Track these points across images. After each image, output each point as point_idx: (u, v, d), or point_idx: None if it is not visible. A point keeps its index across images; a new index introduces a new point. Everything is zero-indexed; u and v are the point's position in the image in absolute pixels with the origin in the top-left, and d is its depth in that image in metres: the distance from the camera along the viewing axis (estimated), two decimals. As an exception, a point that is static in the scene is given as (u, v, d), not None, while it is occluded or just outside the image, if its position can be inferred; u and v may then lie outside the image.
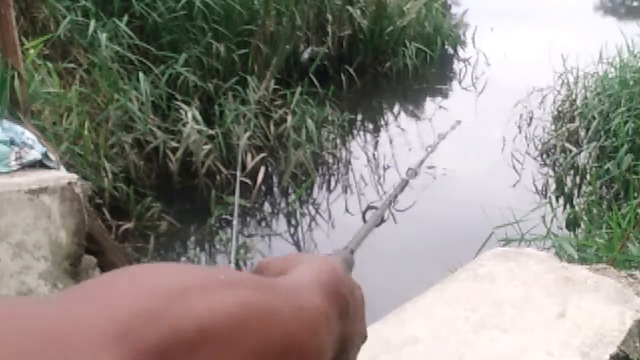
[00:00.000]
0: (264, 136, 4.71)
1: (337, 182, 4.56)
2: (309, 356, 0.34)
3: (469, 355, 1.35)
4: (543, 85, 5.47)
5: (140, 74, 4.33)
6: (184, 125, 4.32)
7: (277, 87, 5.08)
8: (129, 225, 3.73)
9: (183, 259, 3.71)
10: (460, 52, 7.04)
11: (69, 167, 3.14)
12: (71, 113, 3.75)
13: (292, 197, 4.26)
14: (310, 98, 4.98)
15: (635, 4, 9.81)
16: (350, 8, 6.14)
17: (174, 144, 4.29)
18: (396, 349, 1.36)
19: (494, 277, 1.62)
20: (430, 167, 4.75)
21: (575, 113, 5.12)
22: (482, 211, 4.12)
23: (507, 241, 3.05)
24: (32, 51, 3.64)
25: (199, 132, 4.31)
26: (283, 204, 4.26)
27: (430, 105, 6.00)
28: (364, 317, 0.45)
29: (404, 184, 2.55)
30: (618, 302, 1.51)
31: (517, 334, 1.41)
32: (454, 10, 7.75)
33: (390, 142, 5.18)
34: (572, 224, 3.72)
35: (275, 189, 4.43)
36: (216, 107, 4.70)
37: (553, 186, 4.47)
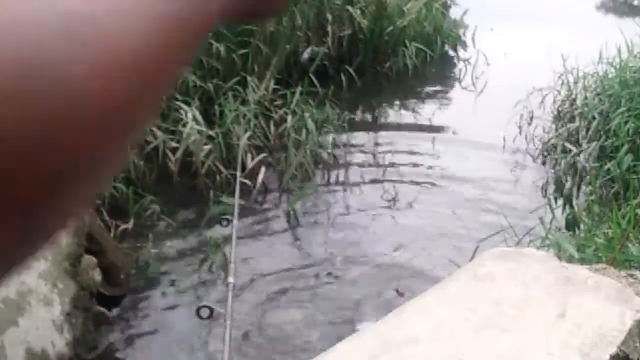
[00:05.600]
0: (264, 136, 4.71)
1: (337, 182, 4.56)
2: None
3: (469, 355, 1.35)
4: (543, 85, 5.47)
5: (140, 74, 4.32)
6: (184, 125, 4.32)
7: (277, 87, 5.07)
8: (127, 225, 3.73)
9: (182, 259, 3.70)
10: (460, 52, 7.03)
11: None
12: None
13: (293, 197, 4.26)
14: (310, 98, 4.97)
15: (635, 3, 9.81)
16: (350, 8, 6.13)
17: (173, 144, 4.29)
18: (396, 349, 1.36)
19: (494, 277, 1.62)
20: (429, 168, 4.75)
21: (575, 113, 5.12)
22: (482, 211, 4.13)
23: (506, 241, 3.04)
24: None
25: (199, 132, 4.31)
26: (283, 204, 4.26)
27: (430, 105, 6.00)
28: None
29: None
30: (618, 302, 1.51)
31: (517, 334, 1.41)
32: (454, 10, 7.74)
33: (390, 141, 5.18)
34: (572, 224, 3.71)
35: (276, 189, 4.42)
36: (216, 107, 4.70)
37: (553, 186, 4.47)
